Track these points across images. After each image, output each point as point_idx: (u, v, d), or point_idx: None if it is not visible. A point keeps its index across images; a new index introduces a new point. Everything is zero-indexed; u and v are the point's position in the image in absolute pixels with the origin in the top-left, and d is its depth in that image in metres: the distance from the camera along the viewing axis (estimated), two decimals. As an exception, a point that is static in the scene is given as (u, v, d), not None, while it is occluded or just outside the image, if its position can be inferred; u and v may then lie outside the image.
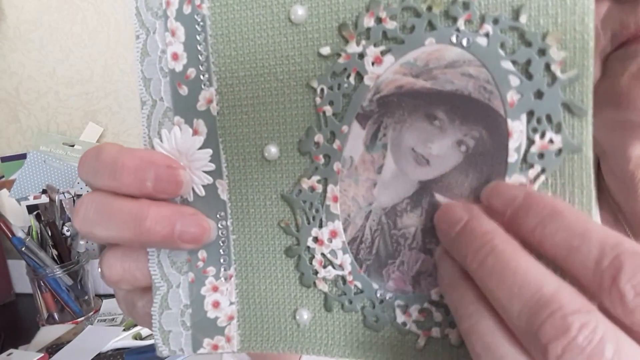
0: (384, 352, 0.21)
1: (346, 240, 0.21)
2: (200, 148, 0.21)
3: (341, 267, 0.21)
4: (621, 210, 0.43)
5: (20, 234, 0.83)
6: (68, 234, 0.88)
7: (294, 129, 0.20)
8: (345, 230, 0.21)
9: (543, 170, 0.18)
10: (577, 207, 0.18)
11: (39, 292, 0.86)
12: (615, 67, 0.30)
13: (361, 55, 0.19)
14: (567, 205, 0.17)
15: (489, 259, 0.16)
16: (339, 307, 0.21)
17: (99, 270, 0.24)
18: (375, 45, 0.19)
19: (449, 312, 0.19)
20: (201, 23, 0.21)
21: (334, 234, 0.21)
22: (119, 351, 0.72)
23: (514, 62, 0.18)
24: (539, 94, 0.18)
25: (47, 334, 0.82)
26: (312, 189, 0.21)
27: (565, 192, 0.18)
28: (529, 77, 0.18)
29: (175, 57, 0.21)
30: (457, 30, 0.18)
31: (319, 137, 0.20)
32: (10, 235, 0.83)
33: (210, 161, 0.22)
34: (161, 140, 0.22)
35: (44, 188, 1.00)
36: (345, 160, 0.20)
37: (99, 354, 0.72)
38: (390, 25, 0.18)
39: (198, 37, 0.21)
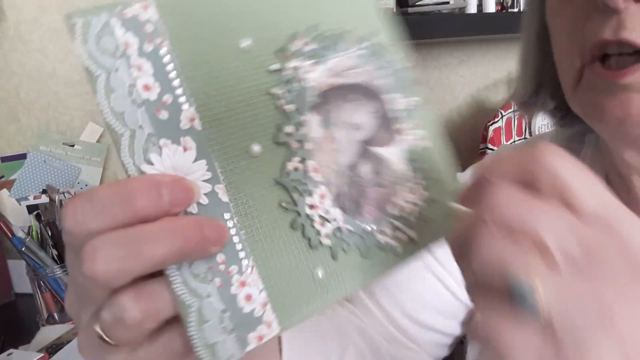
0: (378, 269, 0.28)
1: (332, 197, 0.27)
2: (195, 161, 0.23)
3: (335, 219, 0.27)
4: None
5: (20, 234, 0.83)
6: (68, 234, 0.88)
7: (267, 127, 0.25)
8: (329, 190, 0.27)
9: (413, 119, 0.30)
10: (436, 136, 0.31)
11: (39, 292, 0.86)
12: (587, 80, 0.34)
13: (298, 68, 0.27)
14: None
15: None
16: (342, 252, 0.27)
17: (102, 332, 0.22)
18: (305, 60, 0.27)
19: (405, 217, 0.29)
20: (166, 56, 0.23)
21: (322, 197, 0.27)
22: (119, 351, 0.72)
23: (379, 62, 0.29)
24: (396, 77, 0.30)
25: (47, 334, 0.82)
26: (296, 168, 0.26)
27: (428, 127, 0.30)
28: (388, 68, 0.30)
29: (147, 88, 0.22)
30: (347, 48, 0.28)
31: (289, 129, 0.26)
32: (10, 235, 0.83)
33: (207, 170, 0.24)
34: (152, 164, 0.22)
35: (44, 188, 1.00)
36: (312, 139, 0.27)
37: (99, 354, 0.72)
38: (311, 47, 0.27)
39: (167, 68, 0.23)
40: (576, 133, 0.50)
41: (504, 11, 1.17)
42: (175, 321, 0.23)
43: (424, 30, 1.01)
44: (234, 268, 0.24)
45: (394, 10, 1.05)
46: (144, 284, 0.22)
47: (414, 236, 0.29)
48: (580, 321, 0.18)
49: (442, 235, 0.29)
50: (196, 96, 0.23)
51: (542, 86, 0.47)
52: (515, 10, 1.16)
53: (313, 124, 0.27)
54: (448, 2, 1.08)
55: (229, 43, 0.25)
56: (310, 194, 0.26)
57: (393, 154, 0.29)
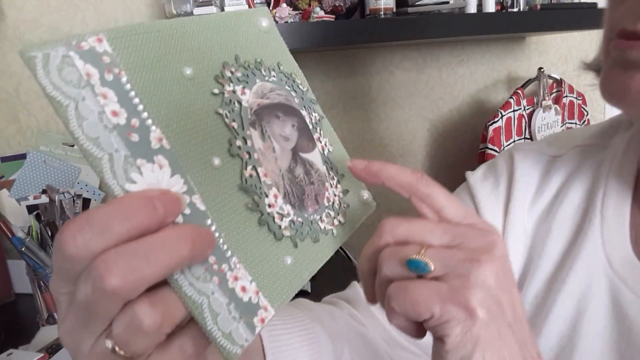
0: (324, 251, 0.34)
1: (282, 196, 0.32)
2: (171, 176, 0.25)
3: (288, 214, 0.32)
4: None
5: (20, 234, 0.83)
6: (68, 234, 0.88)
7: (222, 142, 0.29)
8: (279, 190, 0.32)
9: (319, 129, 0.37)
10: (337, 142, 0.39)
11: (39, 292, 0.86)
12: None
13: (234, 91, 0.31)
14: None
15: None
16: (299, 240, 0.32)
17: (116, 347, 0.24)
18: (237, 84, 0.31)
19: (334, 206, 0.36)
20: (127, 84, 0.25)
21: (275, 197, 0.31)
22: (119, 351, 0.72)
23: (289, 86, 0.36)
24: (302, 98, 0.37)
25: (47, 334, 0.82)
26: (251, 175, 0.30)
27: (328, 135, 0.38)
28: (295, 91, 0.36)
29: (115, 114, 0.24)
30: (264, 74, 0.34)
31: (238, 142, 0.30)
32: (10, 235, 0.83)
33: (183, 183, 0.26)
34: (135, 183, 0.24)
35: (44, 188, 1.00)
36: (258, 150, 0.31)
37: (99, 354, 0.72)
38: (238, 74, 0.32)
39: (130, 94, 0.25)
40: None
41: (504, 11, 1.17)
42: (180, 328, 0.25)
43: (424, 30, 1.01)
44: (225, 266, 0.27)
45: (394, 10, 1.05)
46: (154, 292, 0.23)
47: (342, 220, 0.36)
48: (453, 261, 0.29)
49: (361, 215, 0.38)
50: (159, 119, 0.26)
51: None
52: (515, 10, 1.16)
53: (255, 137, 0.31)
54: (448, 2, 1.08)
55: (175, 72, 0.27)
56: (266, 195, 0.31)
57: (315, 158, 0.36)
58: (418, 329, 0.30)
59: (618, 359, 0.41)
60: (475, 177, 0.55)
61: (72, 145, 1.04)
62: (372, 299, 0.33)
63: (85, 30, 1.02)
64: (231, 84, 0.31)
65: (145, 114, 0.25)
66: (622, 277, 0.43)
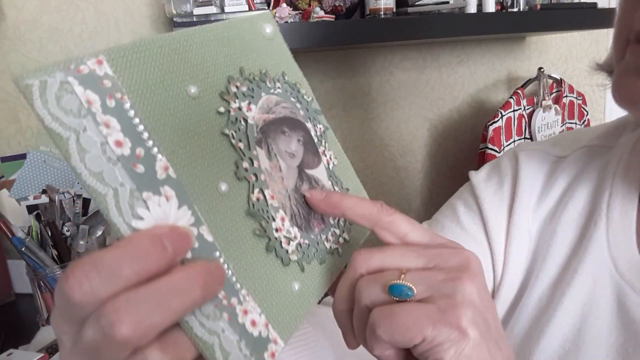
0: (332, 271, 0.33)
1: (289, 218, 0.31)
2: (179, 208, 0.24)
3: (295, 237, 0.31)
4: None
5: (20, 234, 0.83)
6: (68, 234, 0.88)
7: (228, 165, 0.28)
8: (285, 213, 0.30)
9: (325, 142, 0.36)
10: (338, 152, 0.37)
11: (39, 292, 0.86)
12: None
13: (240, 108, 0.29)
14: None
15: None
16: (306, 264, 0.31)
17: None
18: (242, 100, 0.30)
19: (339, 224, 0.35)
20: (130, 110, 0.23)
21: (282, 220, 0.30)
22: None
23: (294, 98, 0.34)
24: (307, 109, 0.35)
25: (47, 334, 0.82)
26: (258, 199, 0.29)
27: (332, 147, 0.37)
28: (300, 102, 0.35)
29: (119, 144, 0.22)
30: (269, 87, 0.32)
31: (244, 164, 0.28)
32: (10, 235, 0.83)
33: (191, 215, 0.24)
34: (142, 219, 0.22)
35: (44, 188, 1.00)
36: (264, 171, 0.30)
37: (99, 354, 0.72)
38: (243, 89, 0.30)
39: (133, 122, 0.23)
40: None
41: (504, 11, 1.17)
42: None
43: (424, 30, 1.01)
44: (234, 300, 0.25)
45: (394, 10, 1.05)
46: (165, 336, 0.23)
47: (347, 237, 0.35)
48: (435, 282, 0.28)
49: (366, 230, 0.37)
50: (164, 145, 0.24)
51: None
52: (515, 10, 1.16)
53: (262, 157, 0.30)
54: (448, 2, 1.08)
55: (179, 92, 0.26)
56: (274, 219, 0.29)
57: (320, 173, 0.34)
58: (404, 356, 0.29)
59: None
60: (479, 177, 0.55)
61: (72, 145, 1.04)
62: (353, 341, 0.31)
63: (86, 30, 1.02)
64: (237, 101, 0.29)
65: (150, 142, 0.23)
66: (629, 281, 0.42)
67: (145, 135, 0.23)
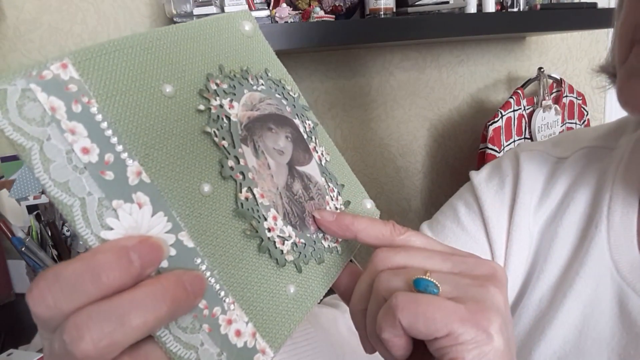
0: (331, 271, 0.32)
1: (282, 217, 0.29)
2: (153, 215, 0.23)
3: (289, 236, 0.29)
4: None
5: (20, 234, 0.83)
6: (68, 234, 0.88)
7: (211, 165, 0.26)
8: (277, 211, 0.29)
9: (315, 138, 0.34)
10: (330, 147, 0.36)
11: (39, 292, 0.85)
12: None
13: (221, 105, 0.28)
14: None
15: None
16: (303, 264, 0.29)
17: None
18: (224, 98, 0.28)
19: None
20: (97, 115, 0.22)
21: (275, 218, 0.29)
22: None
23: (279, 94, 0.33)
24: (294, 105, 0.34)
25: (47, 334, 0.81)
26: (247, 198, 0.27)
27: (323, 143, 0.35)
28: (286, 98, 0.33)
29: (85, 151, 0.21)
30: (252, 84, 0.31)
31: (230, 163, 0.27)
32: (10, 235, 0.83)
33: (167, 221, 0.23)
34: (111, 229, 0.21)
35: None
36: (252, 169, 0.28)
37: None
38: (224, 86, 0.29)
39: (101, 126, 0.22)
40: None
41: (504, 11, 1.17)
42: None
43: (424, 30, 1.01)
44: (217, 309, 0.24)
45: (394, 10, 1.05)
46: (136, 349, 0.22)
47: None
48: (462, 285, 0.27)
49: None
50: (136, 149, 0.23)
51: None
52: (515, 10, 1.16)
53: (248, 154, 0.28)
54: (448, 2, 1.08)
55: (153, 92, 0.25)
56: (265, 218, 0.28)
57: (312, 170, 0.33)
58: (410, 346, 0.28)
59: None
60: (480, 178, 0.55)
61: (72, 145, 1.04)
62: (369, 345, 0.30)
63: (86, 30, 1.02)
64: (217, 98, 0.28)
65: (120, 147, 0.22)
66: (631, 283, 0.42)
67: (115, 139, 0.22)
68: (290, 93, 0.34)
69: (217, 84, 0.28)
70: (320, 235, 0.31)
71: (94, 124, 0.22)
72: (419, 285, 0.27)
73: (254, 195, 0.28)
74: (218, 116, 0.28)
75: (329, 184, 0.34)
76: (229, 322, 0.24)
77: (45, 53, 1.02)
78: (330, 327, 0.48)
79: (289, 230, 0.29)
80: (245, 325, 0.25)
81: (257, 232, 0.27)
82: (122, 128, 0.23)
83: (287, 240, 0.29)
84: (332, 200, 0.33)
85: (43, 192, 0.99)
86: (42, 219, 0.88)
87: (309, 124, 0.34)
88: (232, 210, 0.26)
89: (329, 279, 0.31)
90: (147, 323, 0.20)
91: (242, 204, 0.27)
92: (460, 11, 1.11)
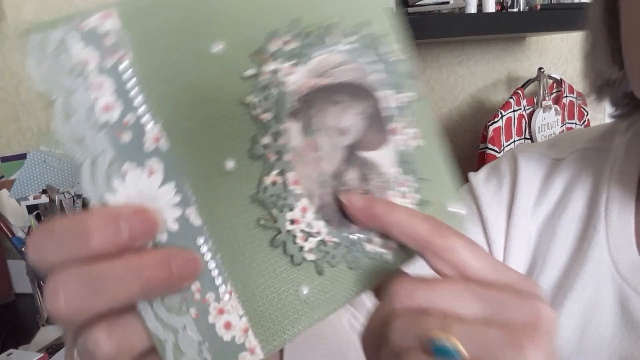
0: (367, 279, 0.27)
1: (314, 210, 0.25)
2: (162, 185, 0.21)
3: (318, 232, 0.25)
4: None
5: (20, 234, 0.83)
6: (68, 234, 0.88)
7: (242, 141, 0.24)
8: (311, 202, 0.25)
9: (407, 116, 0.28)
10: (430, 134, 0.29)
11: (39, 292, 0.85)
12: None
13: (276, 71, 0.25)
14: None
15: None
16: (327, 266, 0.26)
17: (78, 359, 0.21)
18: (284, 62, 0.25)
19: None
20: (128, 71, 0.21)
21: (304, 210, 0.25)
22: (119, 351, 0.72)
23: (373, 55, 0.27)
24: (392, 71, 0.28)
25: (47, 334, 0.82)
26: (274, 182, 0.24)
27: (422, 124, 0.29)
28: (384, 62, 0.28)
29: (107, 108, 0.20)
30: (335, 43, 0.26)
31: (265, 140, 0.24)
32: (10, 235, 0.83)
33: (175, 193, 0.22)
34: (115, 193, 0.21)
35: (44, 188, 1.00)
36: (292, 150, 0.25)
37: (99, 354, 0.72)
38: (291, 46, 0.25)
39: (128, 84, 0.21)
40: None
41: (504, 11, 1.17)
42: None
43: (424, 30, 1.01)
44: (210, 296, 0.22)
45: (394, 10, 1.05)
46: (116, 318, 0.21)
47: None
48: (489, 344, 0.22)
49: None
50: (162, 113, 0.21)
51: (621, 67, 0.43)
52: (515, 10, 1.16)
53: (293, 132, 0.25)
54: (448, 2, 1.08)
55: (199, 49, 0.23)
56: (291, 208, 0.25)
57: (383, 157, 0.27)
58: None
59: None
60: (478, 179, 0.55)
61: (72, 145, 1.04)
62: None
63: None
64: (274, 62, 0.24)
65: (143, 108, 0.21)
66: (631, 283, 0.42)
67: (140, 99, 0.21)
68: (389, 55, 0.28)
69: (283, 43, 0.25)
70: (364, 236, 0.27)
71: (122, 81, 0.21)
72: (435, 352, 0.22)
73: (284, 180, 0.24)
74: (267, 85, 0.24)
75: (405, 176, 0.28)
76: (221, 311, 0.22)
77: (45, 53, 1.02)
78: (335, 320, 0.48)
79: (319, 225, 0.25)
80: (238, 318, 0.23)
81: (275, 222, 0.24)
82: (151, 88, 0.21)
83: (313, 236, 0.25)
84: (400, 196, 0.28)
85: (43, 192, 0.99)
86: (42, 219, 0.87)
87: (405, 97, 0.28)
88: (252, 195, 0.24)
89: (359, 288, 0.26)
90: (118, 296, 0.20)
91: (265, 189, 0.24)
92: (460, 11, 1.11)
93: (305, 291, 0.25)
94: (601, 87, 0.45)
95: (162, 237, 0.21)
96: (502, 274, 0.25)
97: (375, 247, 0.27)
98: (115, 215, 0.20)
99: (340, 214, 0.26)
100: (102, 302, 0.20)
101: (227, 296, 0.23)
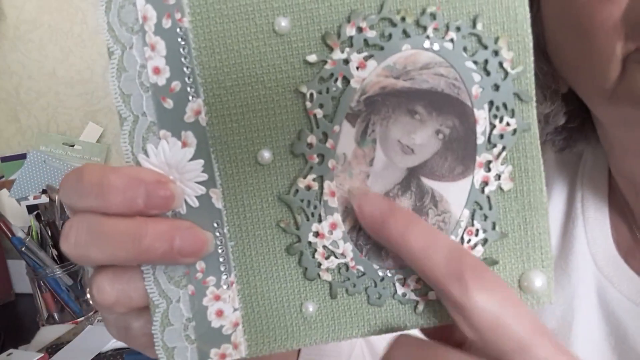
0: (387, 323, 0.23)
1: (346, 230, 0.22)
2: (191, 159, 0.21)
3: (343, 255, 0.23)
4: (630, 209, 0.43)
5: (20, 234, 0.83)
6: (68, 234, 0.88)
7: (285, 133, 0.22)
8: (344, 220, 0.22)
9: (504, 148, 0.22)
10: (530, 176, 0.23)
11: (39, 292, 0.86)
12: (633, 68, 0.30)
13: (346, 61, 0.21)
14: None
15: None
16: (343, 293, 0.23)
17: (88, 295, 0.24)
18: (358, 51, 0.21)
19: None
20: (183, 36, 0.21)
21: (334, 226, 0.22)
22: (119, 351, 0.72)
23: (475, 62, 0.22)
24: (496, 87, 0.22)
25: (47, 334, 0.82)
26: (309, 187, 0.22)
27: (520, 163, 0.22)
28: (487, 73, 0.22)
29: (157, 71, 0.21)
30: (428, 37, 0.21)
31: (311, 138, 0.22)
32: (10, 235, 0.83)
33: (202, 171, 0.22)
34: (147, 156, 0.21)
35: (44, 188, 1.00)
36: (338, 157, 0.22)
37: (99, 354, 0.72)
38: (370, 34, 0.21)
39: (181, 50, 0.21)
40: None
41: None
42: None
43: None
44: (211, 279, 0.22)
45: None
46: (122, 270, 0.22)
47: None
48: None
49: None
50: (208, 86, 0.21)
51: (548, 99, 0.41)
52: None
53: (345, 136, 0.22)
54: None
55: (261, 23, 0.21)
56: (319, 219, 0.22)
57: (453, 192, 0.22)
58: None
59: (610, 357, 0.42)
60: None
61: (72, 145, 1.04)
62: None
63: (86, 30, 1.02)
64: (346, 50, 0.21)
65: (191, 78, 0.21)
66: (607, 275, 0.43)
67: (189, 68, 0.21)
68: (504, 65, 0.22)
69: (359, 29, 0.21)
70: (398, 276, 0.23)
71: (175, 45, 0.21)
72: None
73: (322, 187, 0.22)
74: (331, 74, 0.21)
75: (475, 222, 0.23)
76: (217, 298, 0.22)
77: (45, 53, 1.02)
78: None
79: (346, 248, 0.23)
80: (232, 310, 0.23)
81: (297, 228, 0.22)
82: (202, 58, 0.21)
83: (337, 258, 0.23)
84: (460, 243, 0.23)
85: (43, 192, 1.00)
86: (42, 219, 0.88)
87: (508, 125, 0.22)
88: (281, 194, 0.22)
89: (373, 328, 0.23)
90: (117, 254, 0.21)
91: (297, 190, 0.22)
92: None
93: (310, 309, 0.23)
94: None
95: (182, 209, 0.22)
96: (528, 339, 0.19)
97: (407, 291, 0.23)
98: (138, 179, 0.21)
99: (375, 244, 0.23)
100: (102, 254, 0.21)
101: (226, 286, 0.22)
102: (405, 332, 0.22)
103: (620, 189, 0.44)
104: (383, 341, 0.26)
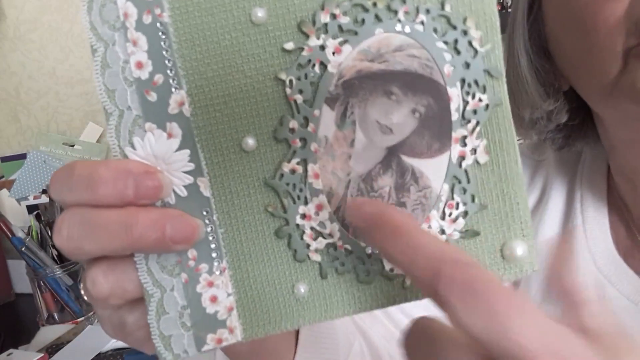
0: (377, 299, 0.24)
1: (331, 210, 0.23)
2: (177, 150, 0.22)
3: (330, 235, 0.23)
4: (628, 209, 0.43)
5: (20, 234, 0.83)
6: (68, 234, 0.88)
7: (267, 120, 0.22)
8: (329, 201, 0.23)
9: (478, 123, 0.23)
10: (504, 149, 0.23)
11: (39, 292, 0.86)
12: (634, 63, 0.31)
13: (322, 47, 0.22)
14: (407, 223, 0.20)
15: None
16: (333, 272, 0.23)
17: (82, 290, 0.24)
18: (333, 37, 0.22)
19: None
20: (164, 30, 0.21)
21: (320, 207, 0.23)
22: (119, 351, 0.72)
23: (445, 42, 0.22)
24: (467, 65, 0.22)
25: (47, 334, 0.82)
26: (293, 170, 0.23)
27: (495, 137, 0.23)
28: (458, 52, 0.22)
29: (139, 65, 0.21)
30: (399, 20, 0.22)
31: (293, 123, 0.22)
32: (10, 235, 0.83)
33: (189, 161, 0.22)
34: (134, 148, 0.22)
35: (44, 188, 1.00)
36: (320, 140, 0.22)
37: (99, 354, 0.72)
38: (344, 20, 0.22)
39: (162, 44, 0.21)
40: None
41: (504, 11, 1.17)
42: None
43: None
44: (203, 267, 0.23)
45: None
46: (115, 262, 0.22)
47: None
48: None
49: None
50: (189, 77, 0.22)
51: (550, 97, 0.42)
52: (516, 10, 1.16)
53: (325, 120, 0.22)
54: (448, 2, 1.08)
55: (239, 14, 0.21)
56: (305, 202, 0.23)
57: (431, 168, 0.23)
58: None
59: None
60: None
61: (72, 145, 1.04)
62: None
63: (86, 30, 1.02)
64: (322, 36, 0.22)
65: (173, 71, 0.22)
66: (607, 275, 0.43)
67: (171, 62, 0.22)
68: (473, 44, 0.23)
69: (333, 16, 0.22)
70: None
71: (156, 40, 0.21)
72: None
73: (305, 170, 0.23)
74: (308, 61, 0.22)
75: (454, 196, 0.23)
76: (210, 284, 0.23)
77: (45, 53, 1.02)
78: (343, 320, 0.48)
79: (333, 227, 0.23)
80: (225, 295, 0.23)
81: (285, 212, 0.23)
82: (183, 50, 0.22)
83: (324, 237, 0.23)
84: (440, 218, 0.23)
85: (43, 192, 1.00)
86: (42, 219, 0.88)
87: (480, 100, 0.23)
88: (266, 178, 0.23)
89: (364, 305, 0.24)
90: (110, 245, 0.21)
91: (282, 175, 0.22)
92: (461, 11, 1.11)
93: (302, 290, 0.23)
94: (536, 122, 0.44)
95: (171, 199, 0.22)
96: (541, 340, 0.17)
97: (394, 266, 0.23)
98: (126, 171, 0.21)
99: None
100: (96, 246, 0.21)
101: (219, 271, 0.23)
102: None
103: (619, 189, 0.44)
104: (381, 337, 0.25)
